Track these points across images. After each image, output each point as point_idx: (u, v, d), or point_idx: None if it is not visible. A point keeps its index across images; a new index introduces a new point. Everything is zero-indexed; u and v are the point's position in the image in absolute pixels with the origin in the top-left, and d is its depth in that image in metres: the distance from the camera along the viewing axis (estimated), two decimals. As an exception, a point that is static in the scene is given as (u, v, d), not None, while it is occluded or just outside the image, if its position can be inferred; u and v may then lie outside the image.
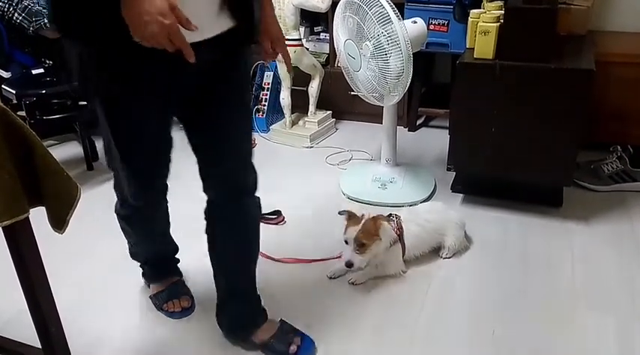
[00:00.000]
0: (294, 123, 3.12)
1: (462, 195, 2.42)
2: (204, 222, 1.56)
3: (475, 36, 2.09)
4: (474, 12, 2.20)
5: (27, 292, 1.26)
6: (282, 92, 3.05)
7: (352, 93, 2.38)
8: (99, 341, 1.68)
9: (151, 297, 1.83)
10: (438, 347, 1.61)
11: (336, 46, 2.42)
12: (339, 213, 1.86)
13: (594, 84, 1.96)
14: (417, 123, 3.21)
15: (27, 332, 1.41)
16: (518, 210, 2.28)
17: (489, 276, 1.91)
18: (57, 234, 1.20)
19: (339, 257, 1.99)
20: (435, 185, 2.49)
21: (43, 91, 2.42)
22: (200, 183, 1.49)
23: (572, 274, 1.91)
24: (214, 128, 1.38)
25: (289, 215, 2.29)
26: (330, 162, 2.82)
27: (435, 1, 2.66)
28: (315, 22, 3.37)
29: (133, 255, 1.84)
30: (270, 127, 3.18)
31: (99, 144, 2.87)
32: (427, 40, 2.35)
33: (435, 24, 2.70)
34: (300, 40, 2.87)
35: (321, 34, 3.35)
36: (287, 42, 1.53)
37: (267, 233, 1.81)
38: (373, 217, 1.81)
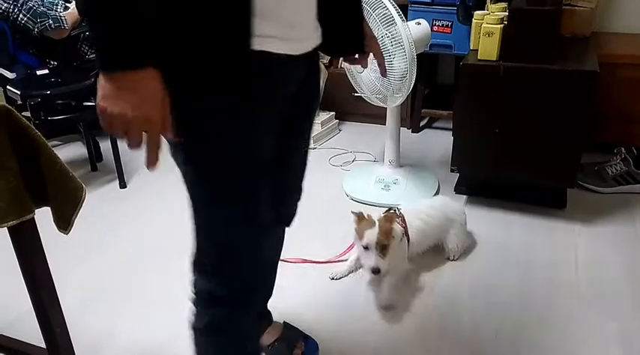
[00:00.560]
0: (297, 124, 3.12)
1: (465, 196, 2.41)
2: None
3: (479, 37, 2.09)
4: (477, 13, 2.20)
5: (32, 292, 1.26)
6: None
7: (356, 94, 2.38)
8: (103, 341, 1.68)
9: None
10: (440, 348, 1.61)
11: (339, 48, 2.42)
12: (353, 212, 1.77)
13: (598, 85, 1.96)
14: (421, 125, 3.21)
15: (31, 333, 1.42)
16: (522, 211, 2.28)
17: (492, 277, 1.91)
18: (62, 234, 1.20)
19: (343, 258, 1.99)
20: (439, 186, 2.49)
21: (48, 92, 2.43)
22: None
23: (575, 276, 1.90)
24: (290, 163, 1.19)
25: (293, 216, 2.29)
26: (333, 164, 2.82)
27: (438, 2, 2.66)
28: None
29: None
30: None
31: (103, 145, 2.88)
32: (431, 41, 2.35)
33: (438, 25, 2.70)
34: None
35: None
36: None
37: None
38: (385, 216, 1.77)
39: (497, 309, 1.76)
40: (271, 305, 1.65)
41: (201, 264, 1.06)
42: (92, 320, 1.76)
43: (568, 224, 2.20)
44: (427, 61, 2.88)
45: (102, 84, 0.79)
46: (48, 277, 1.27)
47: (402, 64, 2.06)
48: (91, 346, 1.65)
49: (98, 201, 2.49)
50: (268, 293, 1.48)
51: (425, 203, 2.03)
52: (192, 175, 0.99)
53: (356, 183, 2.54)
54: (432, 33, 2.27)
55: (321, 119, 3.10)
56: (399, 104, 2.29)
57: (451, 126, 2.38)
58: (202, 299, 1.09)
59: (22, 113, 1.13)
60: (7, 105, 1.06)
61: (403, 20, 2.02)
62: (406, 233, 1.85)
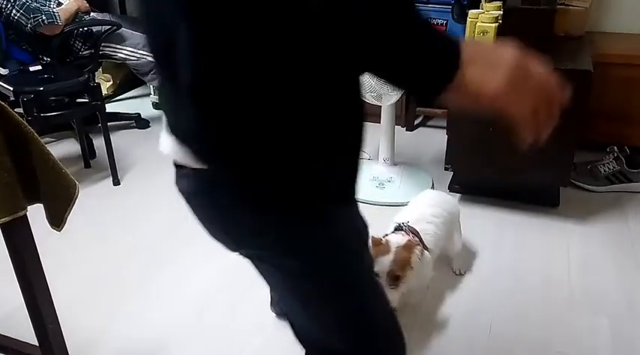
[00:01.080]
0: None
1: (459, 194, 2.42)
2: None
3: (474, 36, 2.09)
4: (472, 12, 2.20)
5: (24, 289, 1.26)
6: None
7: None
8: (96, 338, 1.68)
9: None
10: (434, 347, 1.62)
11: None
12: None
13: (592, 85, 1.97)
14: (415, 123, 3.22)
15: (24, 330, 1.41)
16: (515, 209, 2.29)
17: (485, 275, 1.91)
18: (55, 231, 1.20)
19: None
20: (433, 184, 2.50)
21: (41, 88, 2.41)
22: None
23: (568, 274, 1.91)
24: None
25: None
26: (327, 161, 2.82)
27: (433, 0, 2.66)
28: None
29: None
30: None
31: (96, 142, 2.87)
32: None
33: (433, 24, 2.71)
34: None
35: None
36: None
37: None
38: (405, 246, 1.56)
39: (490, 306, 1.76)
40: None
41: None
42: (85, 317, 1.75)
43: (561, 222, 2.21)
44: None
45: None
46: (41, 274, 1.26)
47: (396, 62, 2.06)
48: (84, 344, 1.64)
49: (91, 198, 2.47)
50: None
51: (424, 203, 1.87)
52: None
53: (350, 181, 2.54)
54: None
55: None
56: (394, 102, 2.29)
57: (445, 125, 2.38)
58: None
59: (15, 109, 1.12)
60: (0, 102, 1.06)
61: (398, 18, 2.02)
62: (425, 248, 1.65)
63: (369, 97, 2.30)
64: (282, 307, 1.53)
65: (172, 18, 0.68)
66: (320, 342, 0.97)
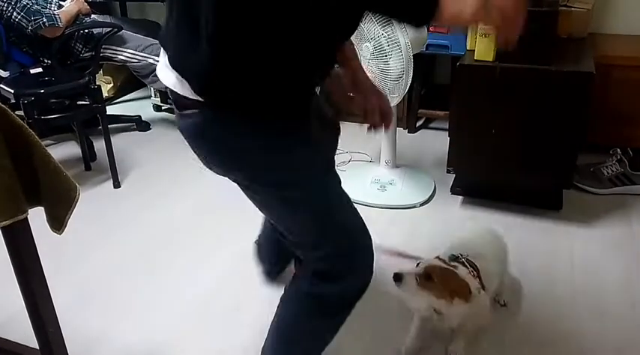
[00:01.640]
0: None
1: (461, 197, 2.41)
2: None
3: (476, 38, 2.08)
4: (474, 14, 2.19)
5: (25, 292, 1.25)
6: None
7: (352, 94, 2.36)
8: (97, 341, 1.67)
9: None
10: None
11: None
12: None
13: (594, 86, 1.96)
14: (417, 125, 3.21)
15: (24, 333, 1.40)
16: (518, 212, 2.28)
17: (489, 279, 1.90)
18: (55, 234, 1.19)
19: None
20: (435, 187, 2.49)
21: (42, 91, 2.41)
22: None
23: (571, 277, 1.90)
24: None
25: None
26: (329, 164, 2.81)
27: (435, 2, 2.65)
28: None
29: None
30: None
31: (97, 145, 2.87)
32: (427, 41, 2.35)
33: (435, 25, 2.70)
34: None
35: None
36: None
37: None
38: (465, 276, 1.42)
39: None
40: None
41: (325, 256, 1.20)
42: (86, 320, 1.74)
43: (564, 225, 2.20)
44: (424, 62, 2.87)
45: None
46: (41, 277, 1.25)
47: (398, 65, 2.05)
48: (85, 347, 1.63)
49: (92, 201, 2.47)
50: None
51: (481, 238, 1.71)
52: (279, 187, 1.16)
53: (352, 183, 2.52)
54: (428, 33, 2.27)
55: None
56: (396, 104, 2.28)
57: (447, 127, 2.38)
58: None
59: (15, 112, 1.12)
60: (1, 104, 1.05)
61: (400, 20, 2.02)
62: (483, 287, 1.49)
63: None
64: (262, 258, 1.80)
65: None
66: (300, 243, 1.26)
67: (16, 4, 2.62)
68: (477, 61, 2.08)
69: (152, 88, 3.41)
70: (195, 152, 1.16)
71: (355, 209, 1.25)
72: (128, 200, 2.51)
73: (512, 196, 2.33)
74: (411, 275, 1.39)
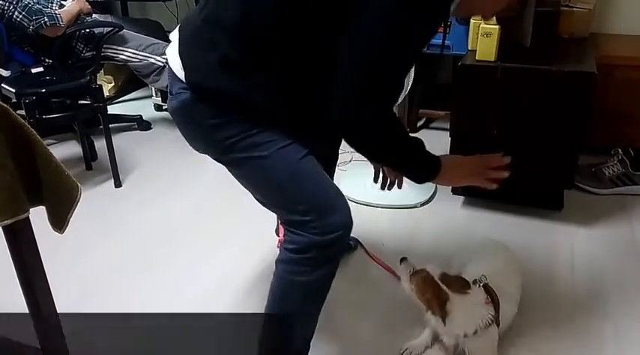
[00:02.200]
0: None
1: (462, 197, 2.41)
2: None
3: (477, 38, 2.08)
4: (475, 14, 2.19)
5: (26, 292, 1.25)
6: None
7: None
8: (99, 341, 1.66)
9: None
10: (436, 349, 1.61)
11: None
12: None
13: (596, 86, 1.96)
14: (418, 125, 3.21)
15: (26, 332, 1.40)
16: (519, 212, 2.28)
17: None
18: (57, 233, 1.19)
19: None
20: (436, 187, 2.48)
21: (43, 90, 2.41)
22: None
23: (572, 277, 1.90)
24: None
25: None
26: (330, 163, 2.81)
27: (436, 2, 2.65)
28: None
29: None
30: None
31: (98, 144, 2.87)
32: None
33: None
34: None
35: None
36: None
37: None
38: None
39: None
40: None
41: (299, 217, 1.25)
42: (87, 320, 1.74)
43: (565, 225, 2.20)
44: (425, 62, 2.87)
45: None
46: (42, 276, 1.25)
47: (399, 64, 2.05)
48: (87, 346, 1.63)
49: (93, 201, 2.47)
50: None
51: (510, 268, 1.68)
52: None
53: (352, 183, 2.53)
54: (429, 33, 2.26)
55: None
56: (397, 104, 2.28)
57: (448, 127, 2.37)
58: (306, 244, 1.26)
59: (17, 111, 1.12)
60: (2, 103, 1.05)
61: (401, 20, 2.01)
62: (497, 322, 1.47)
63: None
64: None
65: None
66: (279, 209, 1.35)
67: (17, 3, 2.62)
68: (478, 60, 2.07)
69: (153, 88, 3.41)
70: (180, 130, 1.32)
71: (325, 175, 1.32)
72: (129, 199, 2.52)
73: (513, 196, 2.33)
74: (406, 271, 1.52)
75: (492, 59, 2.05)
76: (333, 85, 1.12)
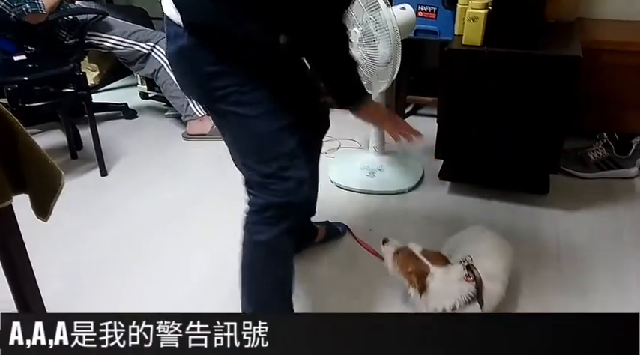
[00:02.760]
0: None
1: (449, 182, 2.42)
2: None
3: (463, 22, 2.08)
4: (462, -2, 2.19)
5: (11, 282, 1.24)
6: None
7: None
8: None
9: None
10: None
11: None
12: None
13: (581, 71, 1.96)
14: (406, 112, 3.21)
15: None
16: (505, 197, 2.29)
17: (477, 263, 1.92)
18: (41, 223, 1.18)
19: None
20: (423, 173, 2.50)
21: (26, 78, 2.38)
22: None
23: (557, 260, 1.92)
24: None
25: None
26: (318, 150, 2.81)
27: (423, -13, 2.64)
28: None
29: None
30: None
31: (83, 133, 2.84)
32: (416, 27, 2.34)
33: (423, 11, 2.68)
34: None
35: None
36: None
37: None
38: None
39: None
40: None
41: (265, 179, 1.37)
42: (73, 309, 1.73)
43: (550, 209, 2.22)
44: (412, 47, 2.86)
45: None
46: (27, 266, 1.25)
47: (386, 50, 2.04)
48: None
49: (79, 189, 2.45)
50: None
51: (500, 252, 1.68)
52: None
53: (341, 169, 2.53)
54: (417, 18, 2.26)
55: (306, 106, 3.07)
56: (384, 91, 2.27)
57: (436, 113, 2.38)
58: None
59: (-1, 99, 1.10)
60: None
61: (388, 5, 2.01)
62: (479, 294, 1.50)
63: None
64: None
65: None
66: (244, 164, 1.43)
67: (-2, -10, 2.57)
68: (464, 45, 2.07)
69: (138, 76, 3.37)
70: (174, 75, 1.44)
71: (295, 143, 1.39)
72: (115, 188, 2.50)
73: (500, 181, 2.34)
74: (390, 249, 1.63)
75: (479, 44, 2.05)
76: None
